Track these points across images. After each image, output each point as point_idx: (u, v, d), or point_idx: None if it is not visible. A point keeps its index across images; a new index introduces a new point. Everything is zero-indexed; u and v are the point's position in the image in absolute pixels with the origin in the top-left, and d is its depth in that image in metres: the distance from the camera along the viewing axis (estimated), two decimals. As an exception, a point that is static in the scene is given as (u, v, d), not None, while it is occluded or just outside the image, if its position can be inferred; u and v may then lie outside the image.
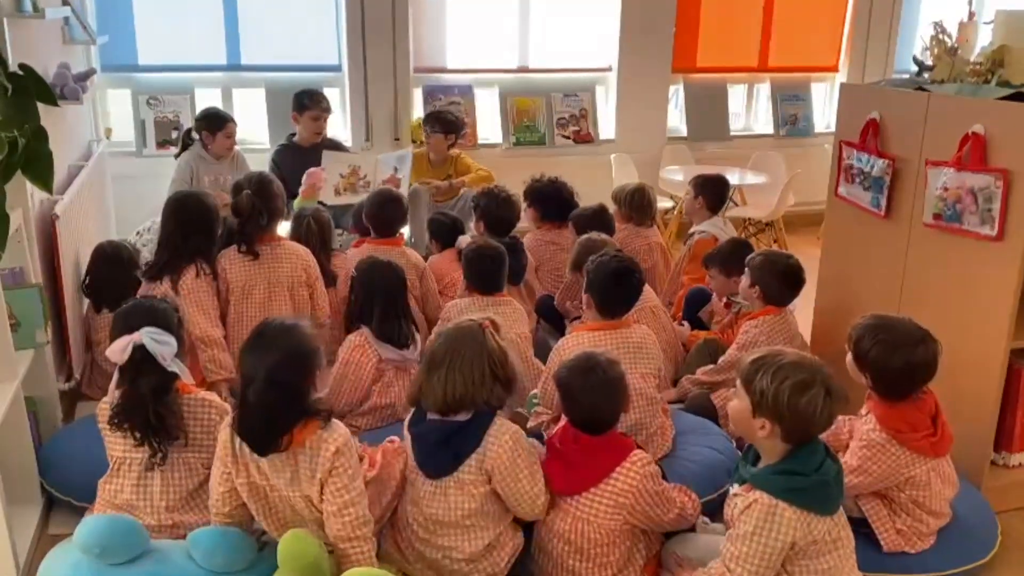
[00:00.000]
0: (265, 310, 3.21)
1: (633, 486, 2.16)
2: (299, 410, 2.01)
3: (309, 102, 4.70)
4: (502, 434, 2.18)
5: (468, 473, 2.17)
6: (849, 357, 2.40)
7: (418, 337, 3.03)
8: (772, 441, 1.94)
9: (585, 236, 3.53)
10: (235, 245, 3.26)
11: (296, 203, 4.27)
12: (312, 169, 4.35)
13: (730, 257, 3.51)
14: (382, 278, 2.97)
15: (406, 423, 2.32)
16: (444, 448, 2.18)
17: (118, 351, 2.21)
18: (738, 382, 2.00)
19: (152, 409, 2.20)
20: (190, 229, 3.11)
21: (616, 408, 2.27)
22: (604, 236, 3.56)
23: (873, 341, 2.31)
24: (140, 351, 2.21)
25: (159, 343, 2.23)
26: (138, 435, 2.22)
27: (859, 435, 2.37)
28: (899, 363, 2.28)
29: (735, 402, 2.02)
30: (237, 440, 2.06)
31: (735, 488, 2.05)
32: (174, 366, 2.26)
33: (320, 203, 4.24)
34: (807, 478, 1.90)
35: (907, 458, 2.30)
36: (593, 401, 2.24)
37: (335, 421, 2.10)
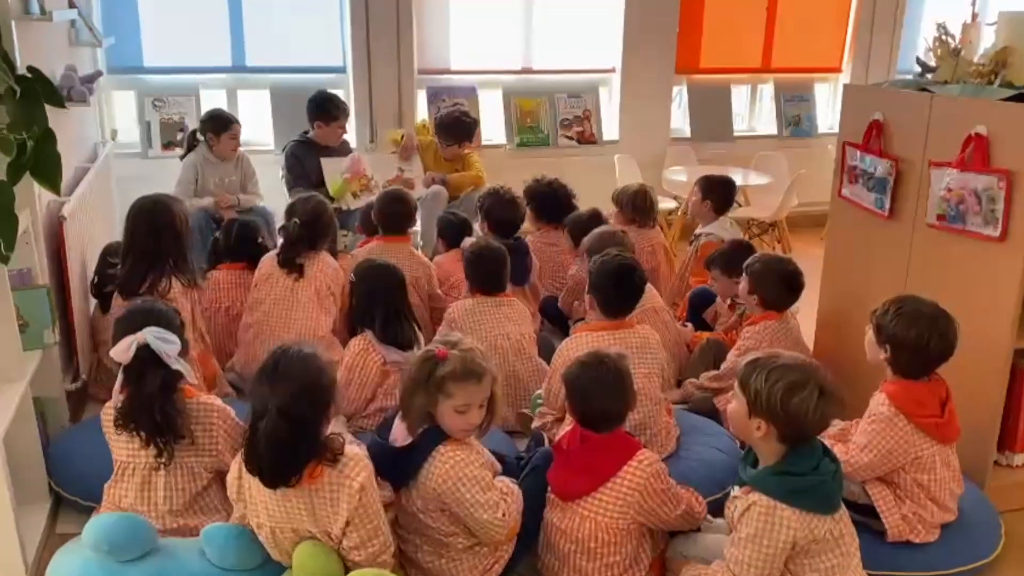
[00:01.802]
0: (288, 308, 3.28)
1: (640, 484, 2.17)
2: (311, 446, 1.94)
3: (338, 112, 4.71)
4: (440, 466, 2.11)
5: (415, 498, 2.17)
6: (869, 334, 2.43)
7: (421, 338, 3.03)
8: (769, 442, 1.97)
9: (601, 228, 3.59)
10: (276, 255, 3.35)
11: (334, 190, 4.50)
12: (354, 155, 4.66)
13: (731, 259, 3.52)
14: (381, 281, 2.95)
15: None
16: (387, 471, 2.17)
17: (122, 350, 2.20)
18: (735, 384, 2.02)
19: (159, 408, 2.19)
20: (163, 236, 2.96)
21: (625, 402, 2.28)
22: (620, 229, 3.63)
23: (895, 315, 2.36)
24: (145, 350, 2.21)
25: (163, 341, 2.22)
26: (144, 435, 2.20)
27: (868, 413, 2.40)
28: (916, 336, 2.31)
29: (733, 404, 2.04)
30: (247, 478, 2.02)
31: (735, 491, 2.07)
32: (178, 364, 2.25)
33: (339, 208, 4.33)
34: (804, 478, 1.92)
35: (913, 435, 2.33)
36: (603, 394, 2.23)
37: (356, 451, 2.04)
